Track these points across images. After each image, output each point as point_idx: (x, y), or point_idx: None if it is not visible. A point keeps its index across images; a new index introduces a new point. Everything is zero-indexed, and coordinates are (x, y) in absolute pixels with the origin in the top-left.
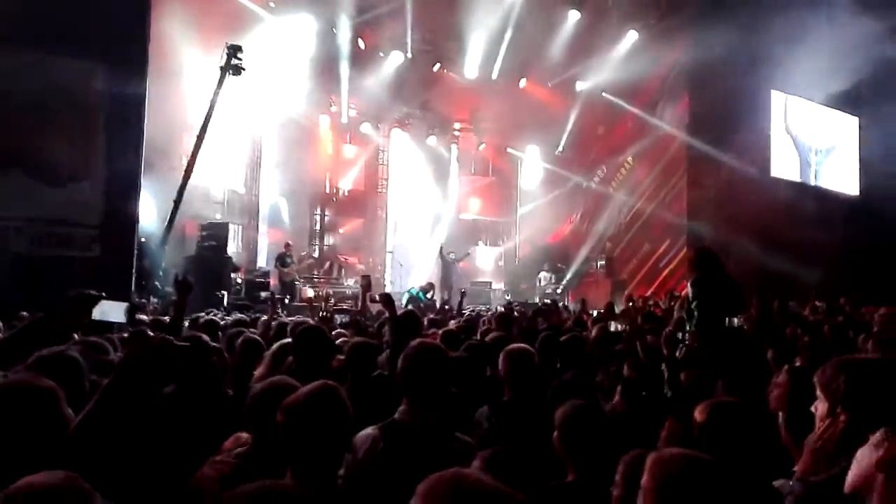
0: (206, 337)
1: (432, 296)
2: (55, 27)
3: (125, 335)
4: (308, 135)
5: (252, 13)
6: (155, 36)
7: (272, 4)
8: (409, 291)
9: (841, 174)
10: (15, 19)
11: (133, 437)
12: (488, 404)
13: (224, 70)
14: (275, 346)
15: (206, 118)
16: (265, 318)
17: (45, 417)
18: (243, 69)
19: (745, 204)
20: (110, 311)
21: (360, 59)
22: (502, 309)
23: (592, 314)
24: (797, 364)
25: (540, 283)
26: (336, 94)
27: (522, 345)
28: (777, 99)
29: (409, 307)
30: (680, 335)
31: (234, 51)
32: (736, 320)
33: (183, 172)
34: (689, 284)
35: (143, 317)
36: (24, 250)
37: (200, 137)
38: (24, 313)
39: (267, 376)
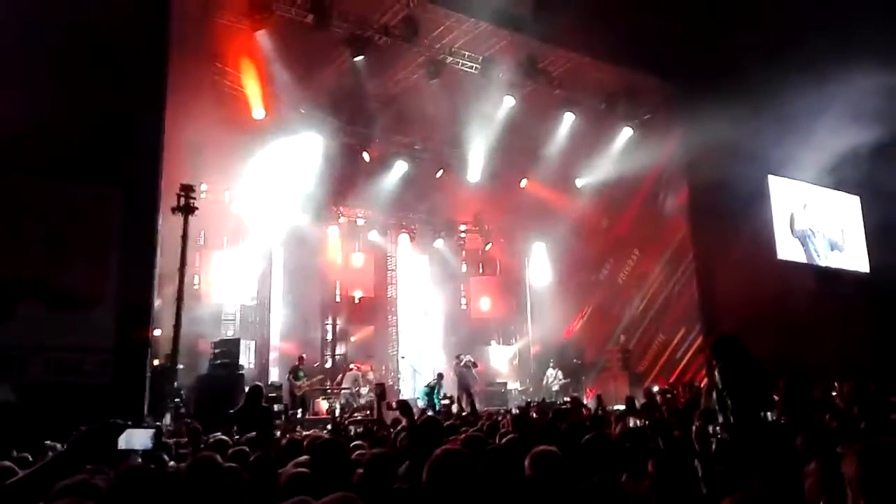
0: (218, 457)
1: (440, 389)
2: (68, 153)
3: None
4: (317, 245)
5: (260, 134)
6: (167, 158)
7: (280, 126)
8: (423, 390)
9: (849, 252)
10: (26, 147)
11: None
12: None
13: (178, 211)
14: (289, 465)
15: (181, 261)
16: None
17: None
18: (196, 209)
19: (754, 288)
20: (136, 438)
21: (366, 170)
22: (517, 410)
23: (612, 409)
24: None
25: (547, 380)
26: (344, 205)
27: (548, 447)
28: (775, 183)
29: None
30: (710, 428)
31: (186, 191)
32: (769, 414)
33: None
34: (716, 373)
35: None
36: (39, 378)
37: (182, 273)
38: (48, 442)
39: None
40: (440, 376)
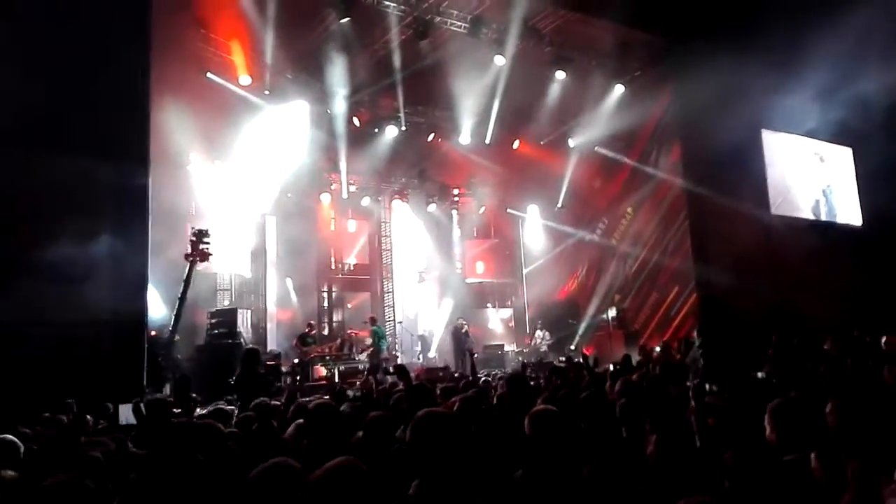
0: (219, 425)
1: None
2: (54, 127)
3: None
4: (310, 214)
5: (248, 102)
6: (154, 129)
7: (267, 93)
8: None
9: (842, 206)
10: (13, 122)
11: None
12: (522, 468)
13: (191, 258)
14: (290, 427)
15: (179, 304)
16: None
17: None
18: (210, 254)
19: (748, 244)
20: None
21: (356, 136)
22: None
23: (609, 368)
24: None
25: (536, 342)
26: (335, 172)
27: (547, 406)
28: (768, 138)
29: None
30: (707, 386)
31: (199, 236)
32: (760, 374)
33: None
34: (695, 333)
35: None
36: (34, 354)
37: (180, 309)
38: (47, 414)
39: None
40: (373, 320)
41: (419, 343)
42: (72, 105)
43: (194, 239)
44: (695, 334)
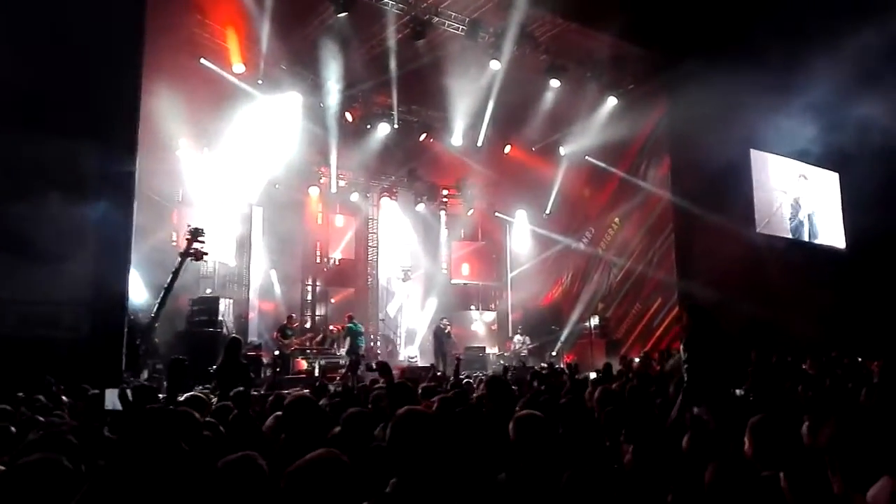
0: (196, 413)
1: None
2: (43, 106)
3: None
4: (298, 206)
5: (241, 90)
6: (145, 113)
7: (260, 82)
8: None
9: (825, 228)
10: (1, 99)
11: None
12: (505, 471)
13: (184, 256)
14: (269, 420)
15: (164, 295)
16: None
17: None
18: (205, 253)
19: (732, 261)
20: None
21: (348, 132)
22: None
23: (590, 376)
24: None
25: (515, 346)
26: (325, 166)
27: (532, 411)
28: (756, 158)
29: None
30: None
31: (195, 234)
32: (738, 391)
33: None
34: (681, 345)
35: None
36: (12, 332)
37: (164, 299)
38: (21, 394)
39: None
40: (349, 318)
41: (386, 342)
42: (62, 86)
43: (189, 237)
44: (681, 346)
